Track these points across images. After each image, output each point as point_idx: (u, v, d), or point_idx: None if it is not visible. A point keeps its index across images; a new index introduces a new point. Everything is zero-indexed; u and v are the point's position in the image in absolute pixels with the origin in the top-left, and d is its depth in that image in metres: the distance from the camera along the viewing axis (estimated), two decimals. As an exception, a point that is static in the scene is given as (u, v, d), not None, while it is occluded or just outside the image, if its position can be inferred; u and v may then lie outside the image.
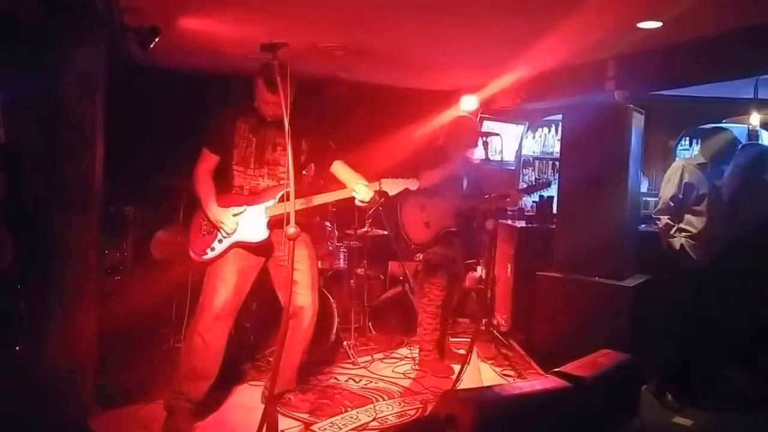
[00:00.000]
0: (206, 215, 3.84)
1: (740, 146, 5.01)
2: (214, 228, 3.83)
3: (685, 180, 4.68)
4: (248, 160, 3.90)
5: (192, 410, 3.82)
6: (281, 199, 3.81)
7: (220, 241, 3.82)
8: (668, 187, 4.75)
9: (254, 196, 3.88)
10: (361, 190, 3.84)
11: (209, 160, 3.92)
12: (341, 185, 3.99)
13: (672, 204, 4.71)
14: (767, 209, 4.61)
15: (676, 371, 4.58)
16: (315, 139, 4.07)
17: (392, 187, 3.94)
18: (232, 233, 3.80)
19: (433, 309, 4.96)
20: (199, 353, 3.77)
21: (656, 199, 7.04)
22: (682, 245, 4.66)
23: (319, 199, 3.88)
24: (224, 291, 3.81)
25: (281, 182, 3.87)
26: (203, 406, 4.01)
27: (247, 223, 3.82)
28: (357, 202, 3.92)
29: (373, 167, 5.79)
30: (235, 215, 3.83)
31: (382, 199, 4.58)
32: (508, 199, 5.36)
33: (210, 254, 3.82)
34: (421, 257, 5.14)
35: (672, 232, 4.71)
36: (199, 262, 3.88)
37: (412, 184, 3.99)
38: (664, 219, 4.74)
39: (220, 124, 3.93)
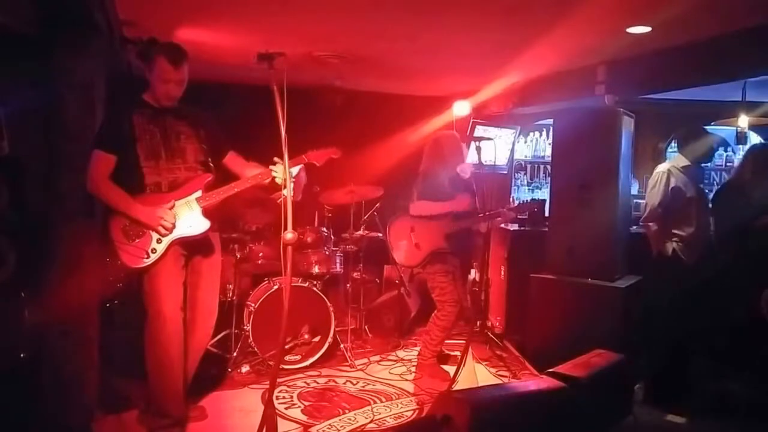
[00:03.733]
0: (130, 218, 3.54)
1: (749, 147, 5.08)
2: (143, 230, 3.55)
3: (672, 185, 4.67)
4: (158, 152, 3.63)
5: (181, 428, 3.76)
6: (207, 188, 3.70)
7: (159, 240, 3.56)
8: (655, 193, 4.73)
9: (177, 191, 3.65)
10: (280, 169, 3.53)
11: (105, 162, 3.54)
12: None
13: (660, 210, 4.70)
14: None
15: (666, 374, 4.65)
16: (209, 128, 3.88)
17: (318, 157, 3.83)
18: (173, 228, 3.57)
19: (446, 324, 4.89)
20: (168, 366, 3.63)
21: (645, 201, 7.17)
22: (674, 249, 4.68)
23: (239, 185, 3.72)
24: (171, 293, 3.63)
25: (198, 172, 3.73)
26: (197, 410, 4.08)
27: (181, 217, 3.62)
28: (278, 180, 3.59)
29: (369, 173, 5.91)
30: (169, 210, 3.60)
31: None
32: (499, 218, 5.29)
33: (153, 257, 3.55)
34: (424, 271, 5.11)
35: (663, 237, 4.72)
36: (139, 269, 3.58)
37: (335, 153, 3.92)
38: (654, 226, 4.75)
39: (113, 120, 3.63)
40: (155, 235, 3.56)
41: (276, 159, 3.55)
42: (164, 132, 3.67)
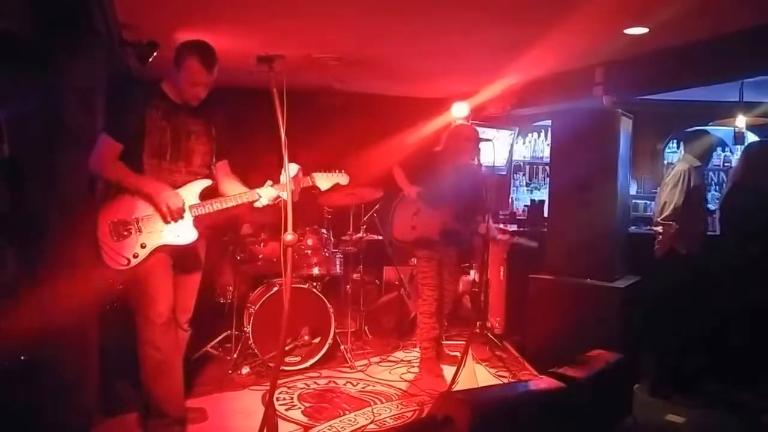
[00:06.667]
0: (137, 191, 3.45)
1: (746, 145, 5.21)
2: (130, 230, 3.44)
3: (692, 184, 4.78)
4: (163, 151, 3.54)
5: (182, 427, 3.78)
6: (204, 196, 3.63)
7: (144, 246, 3.45)
8: (677, 192, 4.78)
9: None
10: (265, 194, 3.60)
11: (112, 148, 3.43)
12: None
13: (682, 209, 4.76)
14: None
15: (675, 369, 4.69)
16: (220, 128, 3.82)
17: (324, 181, 3.82)
18: (179, 213, 3.48)
19: (427, 308, 5.06)
20: (163, 367, 3.60)
21: (645, 201, 7.21)
22: (688, 247, 4.78)
23: (226, 202, 3.64)
24: (161, 296, 3.54)
25: (198, 177, 3.66)
26: (198, 411, 4.08)
27: (171, 224, 3.51)
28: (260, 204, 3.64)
29: (368, 174, 5.91)
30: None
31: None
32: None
33: (134, 262, 3.44)
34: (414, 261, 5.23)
35: (680, 235, 4.79)
36: (117, 270, 3.47)
37: (343, 179, 3.92)
38: (675, 224, 4.79)
39: (127, 108, 3.51)
40: (140, 240, 3.46)
41: (269, 182, 3.62)
42: (175, 130, 3.59)
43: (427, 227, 4.98)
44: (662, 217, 4.85)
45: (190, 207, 3.58)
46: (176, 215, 3.49)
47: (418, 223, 4.99)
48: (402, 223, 5.10)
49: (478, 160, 4.98)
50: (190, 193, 3.62)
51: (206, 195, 3.70)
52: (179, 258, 3.69)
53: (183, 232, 3.56)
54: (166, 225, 3.51)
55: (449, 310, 5.43)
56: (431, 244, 5.02)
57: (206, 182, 3.70)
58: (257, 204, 3.67)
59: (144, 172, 3.51)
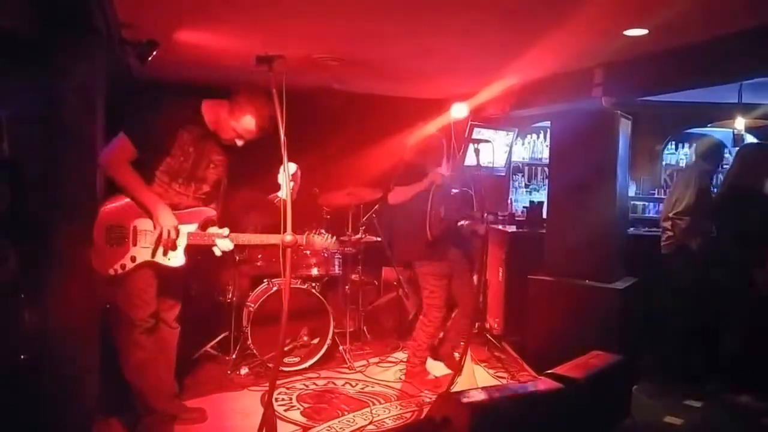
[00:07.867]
0: (136, 203, 3.48)
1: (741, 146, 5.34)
2: (125, 238, 3.49)
3: (703, 186, 4.99)
4: (179, 173, 3.60)
5: (173, 419, 3.84)
6: (204, 226, 3.66)
7: (133, 259, 3.50)
8: (688, 192, 5.03)
9: (176, 216, 3.56)
10: (223, 244, 3.61)
11: (127, 151, 3.46)
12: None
13: (696, 208, 4.96)
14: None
15: (675, 370, 4.74)
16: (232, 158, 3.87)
17: (316, 243, 3.84)
18: (172, 237, 3.48)
19: (432, 330, 4.90)
20: (149, 364, 3.67)
21: (644, 203, 7.23)
22: (698, 244, 4.94)
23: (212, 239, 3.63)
24: (144, 303, 3.60)
25: (200, 204, 3.71)
26: (198, 411, 4.10)
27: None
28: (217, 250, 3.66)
29: (367, 175, 5.92)
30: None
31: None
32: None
33: (120, 272, 3.50)
34: (416, 271, 5.09)
35: (690, 233, 4.96)
36: (103, 275, 3.53)
37: (333, 246, 3.96)
38: (687, 219, 4.97)
39: (159, 123, 3.54)
40: (132, 252, 3.50)
41: (226, 230, 3.64)
42: (198, 158, 3.64)
43: (450, 210, 4.84)
44: (674, 212, 5.03)
45: (189, 233, 3.59)
46: (168, 247, 3.52)
47: (447, 208, 4.82)
48: (435, 216, 4.81)
49: (477, 159, 4.96)
50: (193, 219, 3.65)
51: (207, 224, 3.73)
52: (163, 280, 3.69)
53: (174, 255, 3.59)
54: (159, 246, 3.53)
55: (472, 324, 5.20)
56: (443, 251, 4.87)
57: (210, 212, 3.74)
58: (215, 250, 3.68)
59: (152, 184, 3.54)
